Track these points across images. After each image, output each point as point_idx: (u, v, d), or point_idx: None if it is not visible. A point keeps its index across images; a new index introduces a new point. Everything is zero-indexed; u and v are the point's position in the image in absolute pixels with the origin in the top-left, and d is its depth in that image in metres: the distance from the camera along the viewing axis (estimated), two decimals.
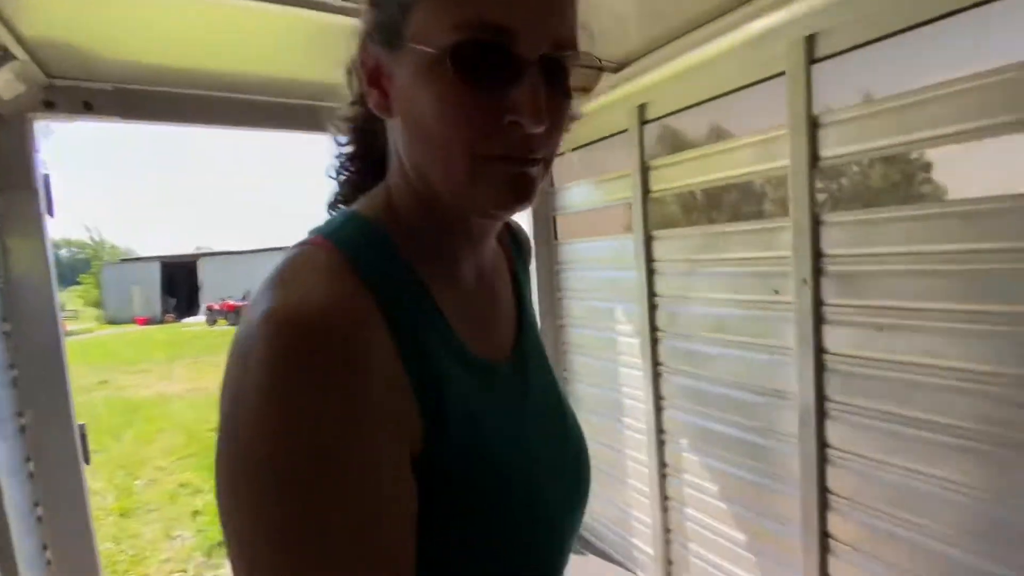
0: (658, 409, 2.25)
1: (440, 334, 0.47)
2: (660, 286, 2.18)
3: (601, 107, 2.16)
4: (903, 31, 1.32)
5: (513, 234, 0.72)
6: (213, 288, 24.60)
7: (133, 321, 24.87)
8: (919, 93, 1.31)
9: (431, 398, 0.43)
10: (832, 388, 1.59)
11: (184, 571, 3.39)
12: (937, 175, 1.63)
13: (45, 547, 1.69)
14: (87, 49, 1.56)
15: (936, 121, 1.28)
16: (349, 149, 0.58)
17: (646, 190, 2.17)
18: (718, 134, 1.97)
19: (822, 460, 1.63)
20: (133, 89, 1.76)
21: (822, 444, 1.62)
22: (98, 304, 29.60)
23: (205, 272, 26.48)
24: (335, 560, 0.33)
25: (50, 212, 1.71)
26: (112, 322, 25.85)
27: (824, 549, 1.65)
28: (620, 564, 2.59)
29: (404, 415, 0.41)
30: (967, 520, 1.32)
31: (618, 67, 1.97)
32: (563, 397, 0.67)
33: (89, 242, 51.46)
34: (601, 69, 0.48)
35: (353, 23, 0.50)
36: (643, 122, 2.13)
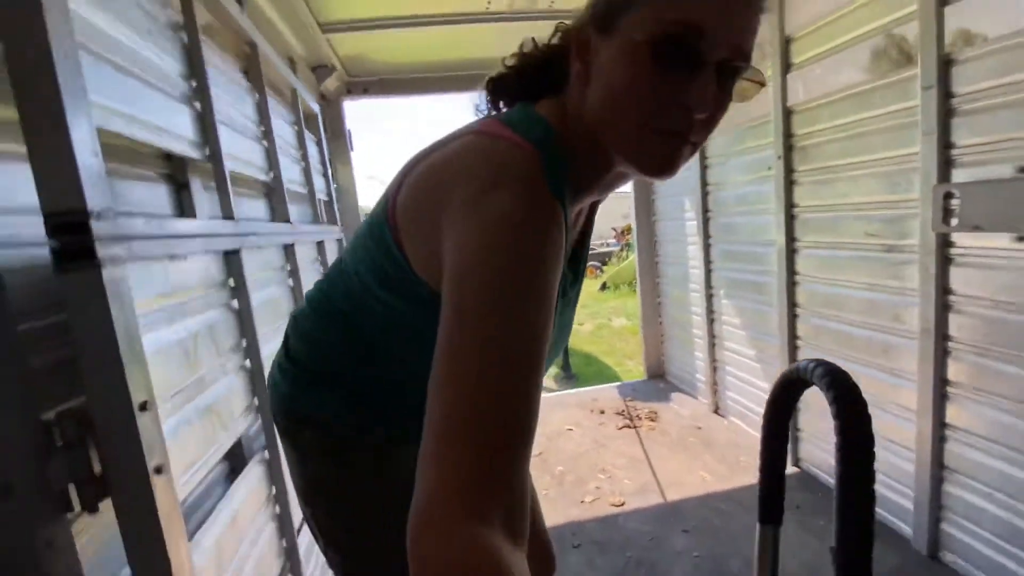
0: (708, 271, 3.06)
1: (566, 238, 0.56)
2: (709, 177, 2.94)
3: None
4: None
5: None
6: None
7: None
8: None
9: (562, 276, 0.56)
10: (798, 232, 2.29)
11: None
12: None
13: None
14: (365, 59, 3.04)
15: None
16: (527, 58, 0.67)
17: None
18: None
19: (792, 284, 2.36)
20: (390, 78, 3.24)
21: (792, 273, 2.35)
22: None
23: None
24: (526, 342, 0.43)
25: (351, 148, 3.32)
26: None
27: (793, 348, 2.40)
28: (686, 392, 3.51)
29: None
30: (868, 308, 1.99)
31: None
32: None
33: None
34: (763, 84, 0.56)
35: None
36: None
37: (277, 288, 1.61)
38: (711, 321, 3.10)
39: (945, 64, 1.53)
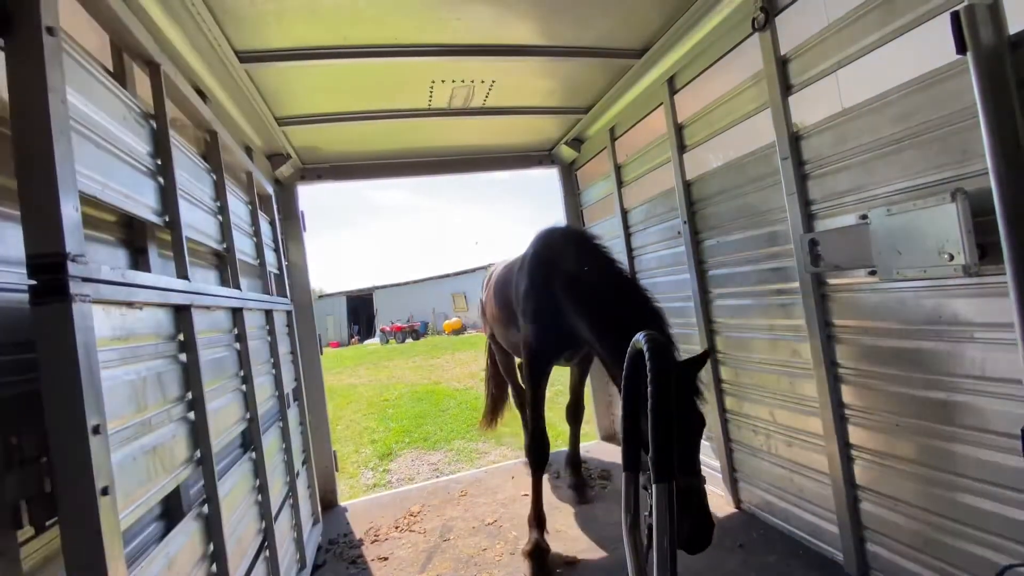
0: None
1: None
2: (633, 242, 3.26)
3: None
4: None
5: None
6: (385, 314, 29.58)
7: (328, 345, 31.00)
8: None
9: None
10: (710, 285, 2.58)
11: (368, 466, 5.50)
12: None
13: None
14: (318, 148, 3.31)
15: None
16: None
17: (620, 181, 3.30)
18: None
19: (711, 333, 2.60)
20: (341, 165, 3.52)
21: (709, 322, 2.60)
22: None
23: (379, 302, 31.79)
24: None
25: (304, 228, 3.50)
26: None
27: (720, 392, 2.60)
28: None
29: None
30: (771, 347, 2.24)
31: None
32: None
33: None
34: None
35: None
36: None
37: (224, 350, 1.69)
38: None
39: (795, 140, 1.91)
